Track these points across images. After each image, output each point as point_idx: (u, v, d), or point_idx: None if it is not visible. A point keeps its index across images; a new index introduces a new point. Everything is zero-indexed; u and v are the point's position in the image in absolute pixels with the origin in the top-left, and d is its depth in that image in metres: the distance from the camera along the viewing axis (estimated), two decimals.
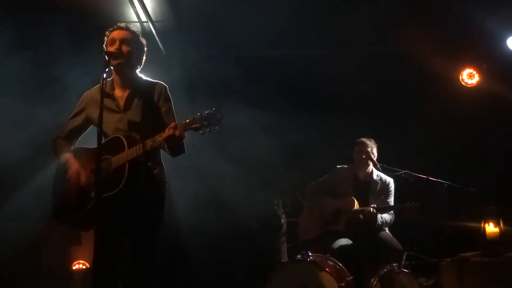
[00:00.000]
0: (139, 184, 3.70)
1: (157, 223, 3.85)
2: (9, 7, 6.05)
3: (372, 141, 5.99)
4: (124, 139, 3.69)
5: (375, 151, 5.95)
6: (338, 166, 6.10)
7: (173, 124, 3.55)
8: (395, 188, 5.98)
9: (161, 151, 3.89)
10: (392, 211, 5.85)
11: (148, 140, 3.61)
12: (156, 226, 3.84)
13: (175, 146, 3.67)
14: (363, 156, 5.88)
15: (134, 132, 3.80)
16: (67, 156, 3.88)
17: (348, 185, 5.92)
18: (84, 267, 6.49)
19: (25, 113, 6.29)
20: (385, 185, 5.93)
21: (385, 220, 5.79)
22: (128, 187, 3.61)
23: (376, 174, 5.97)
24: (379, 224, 5.72)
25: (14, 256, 6.20)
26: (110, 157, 3.70)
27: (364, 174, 5.97)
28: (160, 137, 3.55)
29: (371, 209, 5.61)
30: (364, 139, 5.97)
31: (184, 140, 3.68)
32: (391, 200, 5.95)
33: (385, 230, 5.82)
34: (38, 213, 5.83)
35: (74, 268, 6.50)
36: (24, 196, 6.18)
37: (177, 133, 3.49)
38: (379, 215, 5.70)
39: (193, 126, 3.47)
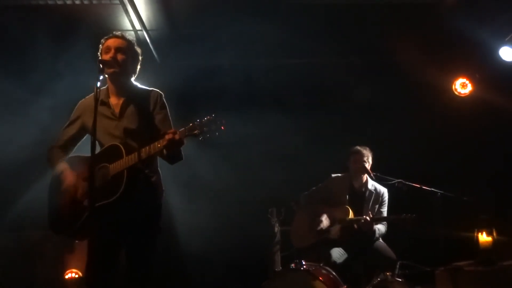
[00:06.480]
0: (137, 191, 3.67)
1: (154, 231, 3.82)
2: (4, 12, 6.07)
3: (367, 149, 5.99)
4: (122, 147, 3.68)
5: (370, 159, 5.96)
6: (333, 175, 6.11)
7: (172, 130, 3.54)
8: (388, 198, 6.00)
9: (158, 159, 3.88)
10: (385, 221, 5.87)
11: (147, 147, 3.59)
12: (153, 235, 3.81)
13: (175, 152, 3.66)
14: (359, 165, 5.89)
15: (130, 140, 3.78)
16: (62, 167, 3.83)
17: (344, 194, 5.91)
18: (76, 275, 6.44)
19: (20, 123, 6.29)
20: (379, 195, 5.93)
21: (381, 231, 5.80)
22: (126, 195, 3.59)
23: (371, 183, 5.97)
24: (376, 237, 5.73)
25: (9, 267, 6.18)
26: (107, 165, 3.68)
27: (359, 184, 5.98)
28: (159, 144, 3.54)
29: (367, 218, 5.61)
30: (359, 148, 5.97)
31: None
32: (385, 210, 5.95)
33: (379, 239, 5.83)
34: (34, 223, 5.82)
35: (66, 277, 6.45)
36: (19, 207, 6.17)
37: (176, 137, 3.48)
38: (375, 226, 5.70)
39: (193, 132, 3.47)
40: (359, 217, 5.69)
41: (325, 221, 5.77)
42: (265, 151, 6.93)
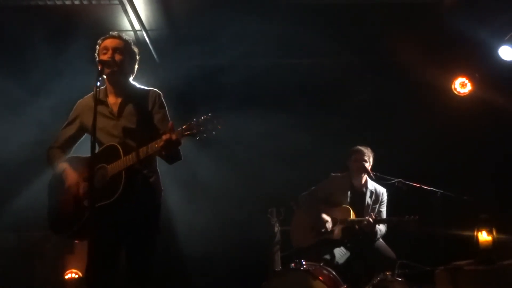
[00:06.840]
0: (136, 192, 3.68)
1: (154, 231, 3.82)
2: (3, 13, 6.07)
3: (369, 149, 5.97)
4: (119, 147, 3.67)
5: (371, 159, 5.94)
6: (332, 174, 6.10)
7: (169, 129, 3.53)
8: (388, 198, 5.99)
9: (157, 159, 3.88)
10: (387, 223, 5.86)
11: (144, 147, 3.59)
12: (152, 235, 3.81)
13: (172, 152, 3.65)
14: (359, 164, 5.87)
15: (129, 139, 3.78)
16: (63, 167, 3.83)
17: (344, 193, 5.89)
18: (76, 276, 6.45)
19: (19, 123, 6.29)
20: (379, 195, 5.93)
21: (382, 232, 5.80)
22: (125, 196, 3.59)
23: (371, 183, 5.96)
24: (377, 237, 5.73)
25: (9, 267, 6.18)
26: (106, 165, 3.68)
27: (359, 183, 5.96)
28: (157, 144, 3.53)
29: (370, 219, 5.60)
30: (361, 148, 5.96)
31: (179, 147, 3.67)
32: (384, 210, 5.96)
33: (379, 239, 5.83)
34: (34, 223, 5.82)
35: (66, 277, 6.45)
36: (19, 207, 6.17)
37: (173, 137, 3.47)
38: (377, 227, 5.70)
39: (189, 132, 3.46)
40: (361, 218, 5.69)
41: (329, 222, 5.75)
42: (265, 151, 6.93)
